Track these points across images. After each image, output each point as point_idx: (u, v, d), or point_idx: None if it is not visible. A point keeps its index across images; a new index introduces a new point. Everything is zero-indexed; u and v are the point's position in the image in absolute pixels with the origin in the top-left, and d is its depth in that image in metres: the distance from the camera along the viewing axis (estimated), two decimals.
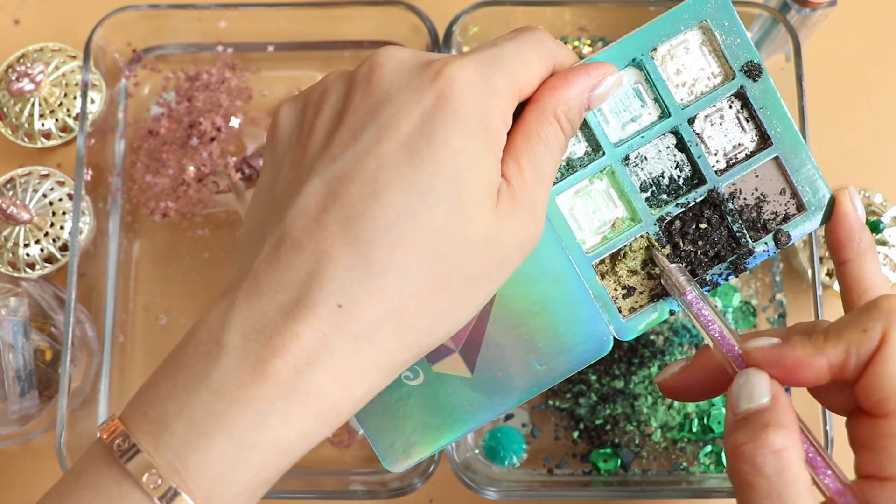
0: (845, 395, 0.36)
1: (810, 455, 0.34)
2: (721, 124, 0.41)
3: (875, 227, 0.54)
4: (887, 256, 0.55)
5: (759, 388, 0.34)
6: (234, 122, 0.58)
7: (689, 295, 0.38)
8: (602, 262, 0.41)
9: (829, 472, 0.34)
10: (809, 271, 0.53)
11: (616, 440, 0.54)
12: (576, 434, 0.54)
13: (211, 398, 0.30)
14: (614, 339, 0.40)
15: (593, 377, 0.54)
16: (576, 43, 0.61)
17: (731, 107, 0.41)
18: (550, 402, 0.55)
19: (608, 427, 0.54)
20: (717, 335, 0.37)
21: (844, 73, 0.61)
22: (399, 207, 0.31)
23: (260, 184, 0.36)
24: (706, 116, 0.40)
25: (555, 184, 0.40)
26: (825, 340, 0.34)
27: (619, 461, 0.54)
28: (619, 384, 0.54)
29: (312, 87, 0.36)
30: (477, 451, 0.54)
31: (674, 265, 0.39)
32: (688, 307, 0.38)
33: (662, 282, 0.39)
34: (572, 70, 0.37)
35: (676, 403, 0.54)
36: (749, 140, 0.41)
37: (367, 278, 0.31)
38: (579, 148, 0.40)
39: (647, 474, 0.54)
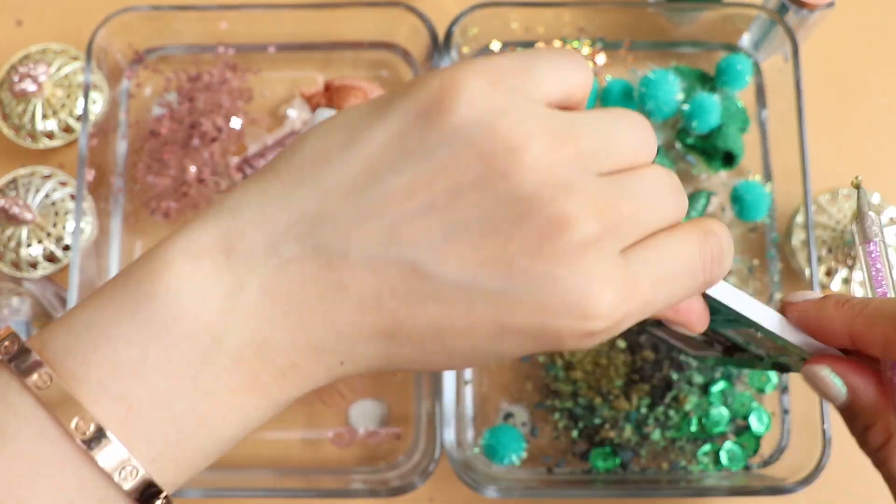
0: None
1: None
2: None
3: None
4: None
5: (831, 385, 0.34)
6: (236, 123, 0.59)
7: (871, 246, 0.37)
8: None
9: None
10: (808, 271, 0.53)
11: (615, 439, 0.54)
12: (575, 433, 0.54)
13: (196, 396, 0.27)
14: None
15: (593, 376, 0.54)
16: (575, 44, 0.61)
17: None
18: (550, 402, 0.55)
19: (607, 426, 0.54)
20: (880, 292, 0.36)
21: (842, 74, 0.62)
22: (462, 358, 0.29)
23: (359, 126, 0.28)
24: None
25: None
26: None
27: (618, 460, 0.54)
28: (619, 383, 0.54)
29: (511, 126, 0.27)
30: (477, 450, 0.55)
31: (872, 213, 0.38)
32: (866, 257, 0.37)
33: (853, 225, 0.38)
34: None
35: (675, 403, 0.54)
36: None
37: (384, 359, 0.29)
38: None
39: (646, 473, 0.54)
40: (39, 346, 0.27)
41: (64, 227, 0.56)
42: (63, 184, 0.57)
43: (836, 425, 0.51)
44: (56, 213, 0.57)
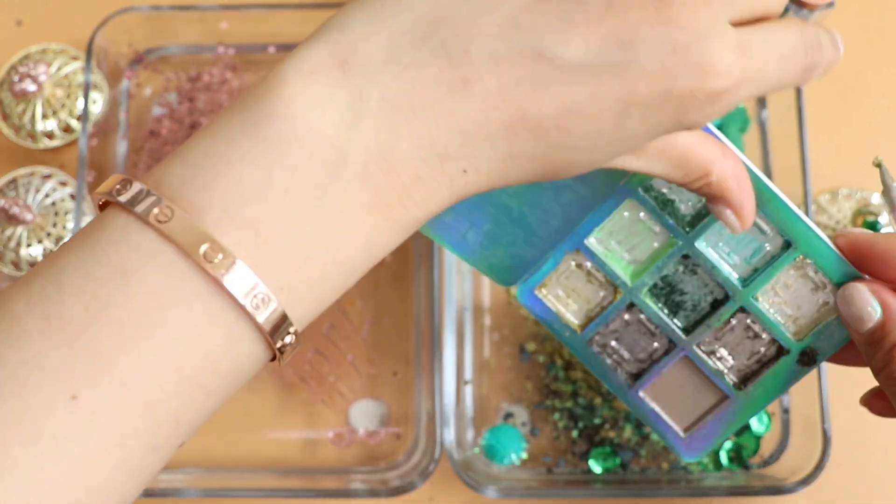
0: None
1: None
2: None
3: (872, 228, 0.54)
4: None
5: (868, 302, 0.36)
6: None
7: None
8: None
9: None
10: None
11: (615, 439, 0.54)
12: (575, 433, 0.54)
13: (323, 217, 0.27)
14: None
15: (593, 376, 0.54)
16: None
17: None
18: (550, 402, 0.55)
19: (607, 426, 0.54)
20: None
21: (842, 74, 0.61)
22: (586, 150, 0.29)
23: None
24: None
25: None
26: None
27: (618, 460, 0.54)
28: None
29: None
30: (477, 450, 0.55)
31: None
32: None
33: (881, 198, 0.39)
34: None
35: None
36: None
37: (507, 162, 0.29)
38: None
39: (646, 473, 0.54)
40: (155, 182, 0.26)
41: (64, 228, 0.56)
42: (63, 184, 0.58)
43: (837, 425, 0.51)
44: (56, 214, 0.57)
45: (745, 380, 0.41)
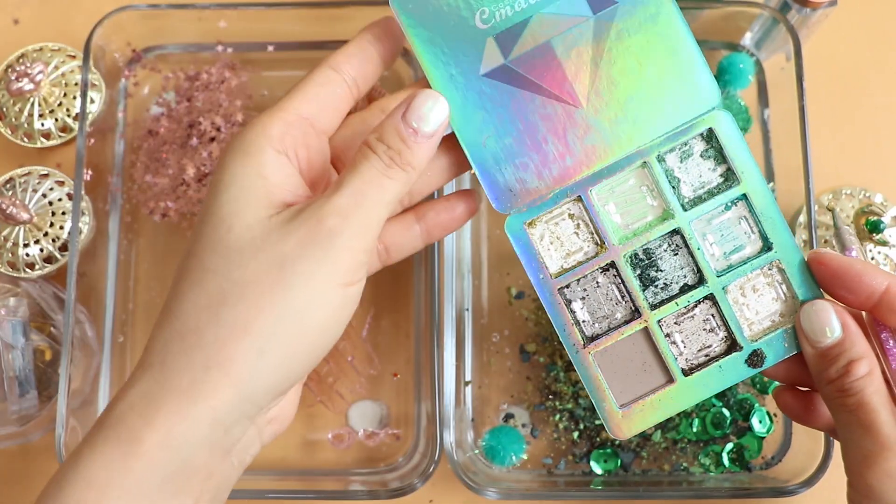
0: None
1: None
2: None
3: (875, 228, 0.54)
4: (888, 256, 0.55)
5: (830, 320, 0.39)
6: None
7: (852, 253, 0.42)
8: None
9: None
10: None
11: (616, 440, 0.54)
12: (576, 434, 0.54)
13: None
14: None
15: None
16: None
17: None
18: (550, 403, 0.55)
19: None
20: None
21: (845, 73, 0.61)
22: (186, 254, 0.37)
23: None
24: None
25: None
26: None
27: (619, 461, 0.54)
28: None
29: None
30: (477, 452, 0.54)
31: (846, 226, 0.43)
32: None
33: (833, 240, 0.42)
34: (386, 100, 0.41)
35: None
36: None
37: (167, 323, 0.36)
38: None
39: (647, 475, 0.54)
40: None
41: (61, 227, 0.56)
42: (60, 183, 0.57)
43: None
44: (53, 213, 0.56)
45: (691, 369, 0.42)
